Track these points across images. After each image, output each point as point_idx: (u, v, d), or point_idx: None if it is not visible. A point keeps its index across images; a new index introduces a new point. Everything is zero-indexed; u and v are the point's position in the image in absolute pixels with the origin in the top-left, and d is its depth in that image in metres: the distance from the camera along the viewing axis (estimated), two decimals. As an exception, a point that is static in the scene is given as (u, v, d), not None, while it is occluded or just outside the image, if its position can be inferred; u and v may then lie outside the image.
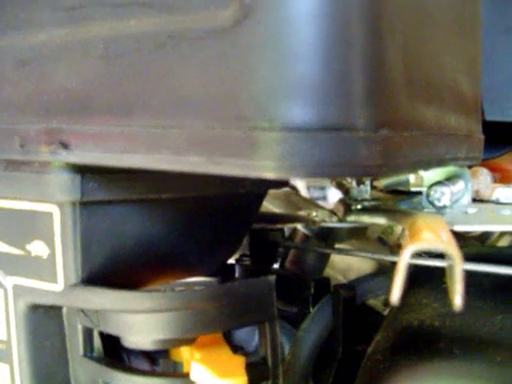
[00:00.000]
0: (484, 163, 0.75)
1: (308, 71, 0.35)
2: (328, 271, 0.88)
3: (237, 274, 0.75)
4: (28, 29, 0.49)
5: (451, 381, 0.48)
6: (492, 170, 0.76)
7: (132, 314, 0.51)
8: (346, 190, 0.71)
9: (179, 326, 0.51)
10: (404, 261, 0.38)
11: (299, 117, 0.35)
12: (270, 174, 0.36)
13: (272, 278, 0.53)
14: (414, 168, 0.47)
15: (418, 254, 0.66)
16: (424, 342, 0.51)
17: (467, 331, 0.51)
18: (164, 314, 0.50)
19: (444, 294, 0.43)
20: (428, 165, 0.48)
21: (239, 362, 0.52)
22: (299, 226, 0.76)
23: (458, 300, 0.38)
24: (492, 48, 0.74)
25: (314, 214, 0.77)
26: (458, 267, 0.39)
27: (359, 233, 0.86)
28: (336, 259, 0.91)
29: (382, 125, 0.36)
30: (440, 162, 0.49)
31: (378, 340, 0.55)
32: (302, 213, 0.81)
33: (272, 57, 0.35)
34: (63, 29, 0.47)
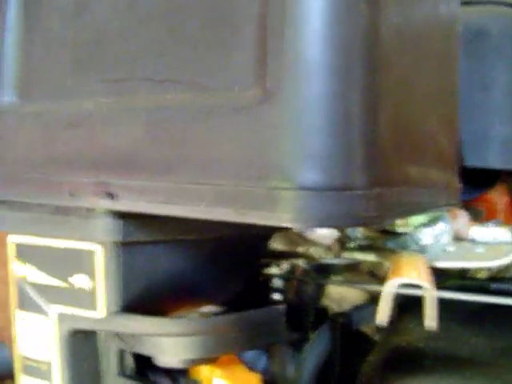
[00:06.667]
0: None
1: (317, 144, 0.44)
2: (324, 301, 0.96)
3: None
4: (76, 96, 0.58)
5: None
6: (480, 201, 0.85)
7: (164, 337, 0.60)
8: (341, 229, 0.80)
9: (203, 347, 0.59)
10: (387, 291, 0.48)
11: (311, 179, 0.44)
12: (287, 224, 0.45)
13: (282, 307, 0.62)
14: (402, 216, 0.56)
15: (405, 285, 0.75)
16: (411, 360, 0.60)
17: (447, 351, 0.60)
18: (191, 337, 0.59)
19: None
20: (413, 212, 0.57)
21: (255, 377, 0.61)
22: (300, 262, 0.84)
23: (428, 322, 0.47)
24: (471, 103, 0.83)
25: (312, 250, 0.86)
26: (430, 297, 0.48)
27: (352, 267, 0.95)
28: (331, 291, 0.99)
29: (375, 184, 0.46)
30: (423, 210, 0.58)
31: (371, 360, 0.64)
32: (301, 249, 0.89)
33: (289, 132, 0.45)
34: (110, 98, 0.55)
